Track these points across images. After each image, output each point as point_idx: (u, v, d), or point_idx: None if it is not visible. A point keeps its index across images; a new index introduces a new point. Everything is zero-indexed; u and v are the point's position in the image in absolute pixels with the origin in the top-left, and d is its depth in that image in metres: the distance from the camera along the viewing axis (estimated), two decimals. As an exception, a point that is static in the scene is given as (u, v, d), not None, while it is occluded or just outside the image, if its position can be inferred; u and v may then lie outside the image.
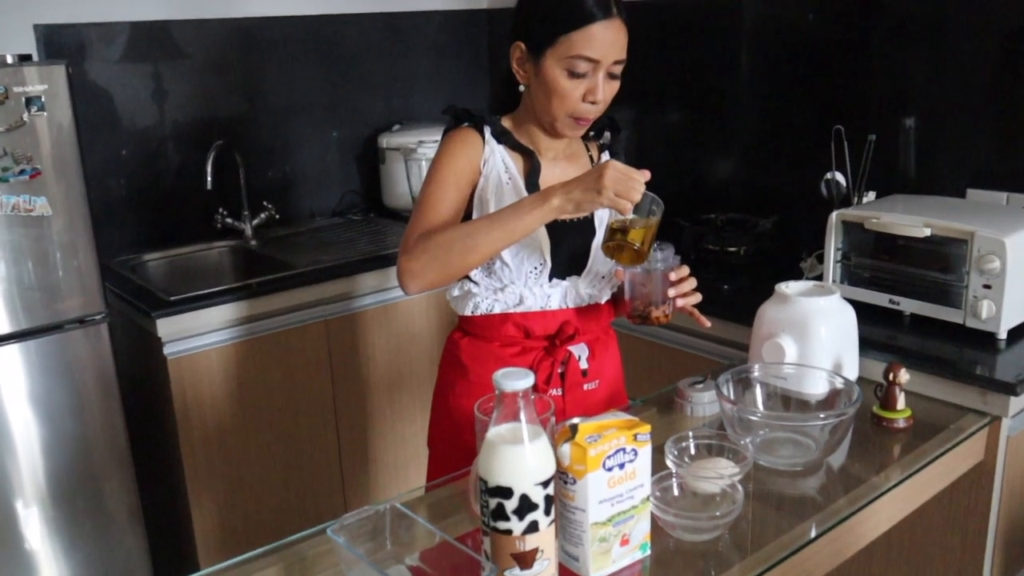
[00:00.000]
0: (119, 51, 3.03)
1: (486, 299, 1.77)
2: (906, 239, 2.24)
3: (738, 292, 2.60)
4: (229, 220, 3.24)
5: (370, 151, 3.65)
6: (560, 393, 1.81)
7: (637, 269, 1.69)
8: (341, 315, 2.91)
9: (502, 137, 1.76)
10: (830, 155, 2.55)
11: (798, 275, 2.59)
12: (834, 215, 2.36)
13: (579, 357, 1.83)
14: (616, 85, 1.72)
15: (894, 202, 2.44)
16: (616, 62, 1.69)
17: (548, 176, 1.76)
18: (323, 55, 3.49)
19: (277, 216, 3.34)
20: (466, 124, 1.76)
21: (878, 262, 2.33)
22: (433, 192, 1.70)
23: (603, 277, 1.82)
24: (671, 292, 1.71)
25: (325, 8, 3.46)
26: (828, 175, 2.59)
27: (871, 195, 2.52)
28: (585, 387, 1.84)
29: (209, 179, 3.03)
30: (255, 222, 3.27)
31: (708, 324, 1.80)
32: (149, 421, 2.80)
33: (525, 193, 1.71)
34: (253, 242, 3.24)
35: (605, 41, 1.65)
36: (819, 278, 2.47)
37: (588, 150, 1.90)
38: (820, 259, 2.50)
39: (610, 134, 1.92)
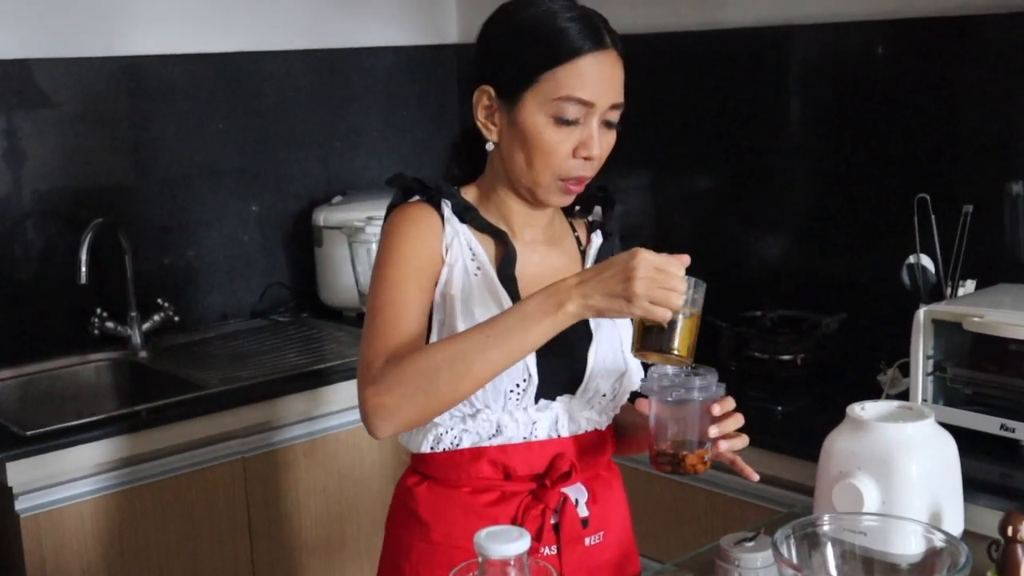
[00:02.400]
0: (-40, 99, 3.07)
1: (451, 430, 1.76)
2: (1020, 344, 2.25)
3: (796, 416, 2.59)
4: (110, 324, 3.22)
5: (302, 231, 3.67)
6: (555, 552, 1.79)
7: (669, 397, 1.69)
8: (263, 451, 2.89)
9: (466, 214, 1.77)
10: (913, 233, 2.57)
11: (876, 393, 2.59)
12: (921, 312, 2.37)
13: (576, 502, 1.81)
14: (613, 137, 1.75)
15: (1001, 294, 2.46)
16: (613, 106, 1.72)
17: (525, 265, 1.78)
18: (238, 105, 3.53)
19: (176, 318, 3.34)
20: (417, 198, 1.77)
21: (983, 375, 2.33)
22: (390, 294, 1.70)
23: (604, 395, 1.82)
24: (713, 431, 1.69)
25: (240, 44, 3.52)
26: (911, 259, 2.60)
27: (969, 285, 2.54)
28: (587, 542, 1.82)
29: (84, 269, 3.03)
30: (146, 327, 3.26)
31: (756, 478, 1.79)
32: (-4, 601, 2.74)
33: (499, 288, 1.73)
34: (143, 353, 3.22)
35: (600, 78, 1.69)
36: (904, 396, 2.47)
37: (574, 229, 1.93)
38: (905, 371, 2.51)
39: (601, 208, 1.93)
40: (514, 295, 1.74)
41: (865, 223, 2.98)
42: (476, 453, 1.77)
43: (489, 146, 1.77)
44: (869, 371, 2.73)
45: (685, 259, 1.55)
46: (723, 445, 1.71)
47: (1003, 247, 2.71)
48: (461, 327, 1.69)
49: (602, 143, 1.72)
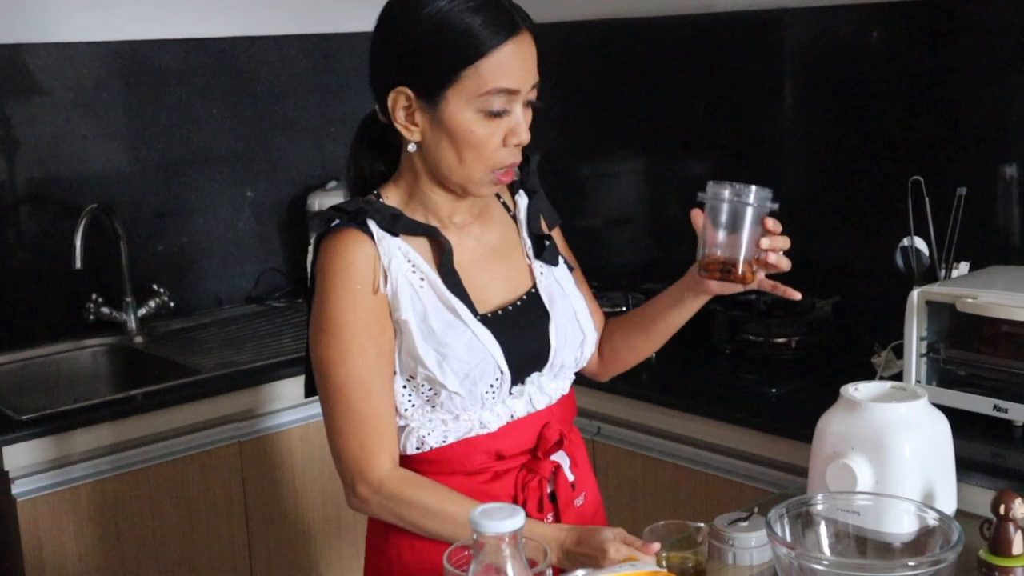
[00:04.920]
0: (-49, 86, 3.06)
1: (434, 432, 1.76)
2: (1012, 325, 2.26)
3: (790, 397, 2.60)
4: (106, 310, 3.24)
5: (297, 216, 3.68)
6: (553, 519, 1.82)
7: (717, 228, 1.73)
8: (259, 435, 2.89)
9: (396, 224, 1.73)
10: (907, 215, 2.57)
11: (870, 374, 2.60)
12: (915, 294, 2.38)
13: (562, 468, 1.85)
14: (531, 114, 1.72)
15: (994, 276, 2.46)
16: (533, 86, 1.70)
17: (463, 251, 1.78)
18: (233, 90, 3.54)
19: (171, 303, 3.35)
20: (338, 223, 1.72)
21: (976, 356, 2.34)
22: (353, 369, 1.68)
23: (563, 366, 1.84)
24: (764, 242, 1.74)
25: (235, 28, 3.52)
26: (905, 241, 2.61)
27: (963, 267, 2.55)
28: (576, 504, 1.86)
29: (78, 255, 3.03)
30: (142, 312, 3.27)
31: (799, 296, 1.83)
32: (-7, 585, 2.75)
33: (446, 292, 1.72)
34: (139, 339, 3.23)
35: (521, 64, 1.67)
36: (898, 377, 2.47)
37: (499, 196, 1.91)
38: (898, 352, 2.51)
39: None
40: (460, 292, 1.74)
41: (859, 206, 2.99)
42: (466, 445, 1.77)
43: (411, 147, 1.73)
44: (863, 353, 2.73)
45: (655, 547, 1.59)
46: (771, 258, 1.75)
47: (996, 229, 2.71)
48: (420, 344, 1.69)
49: (526, 124, 1.70)
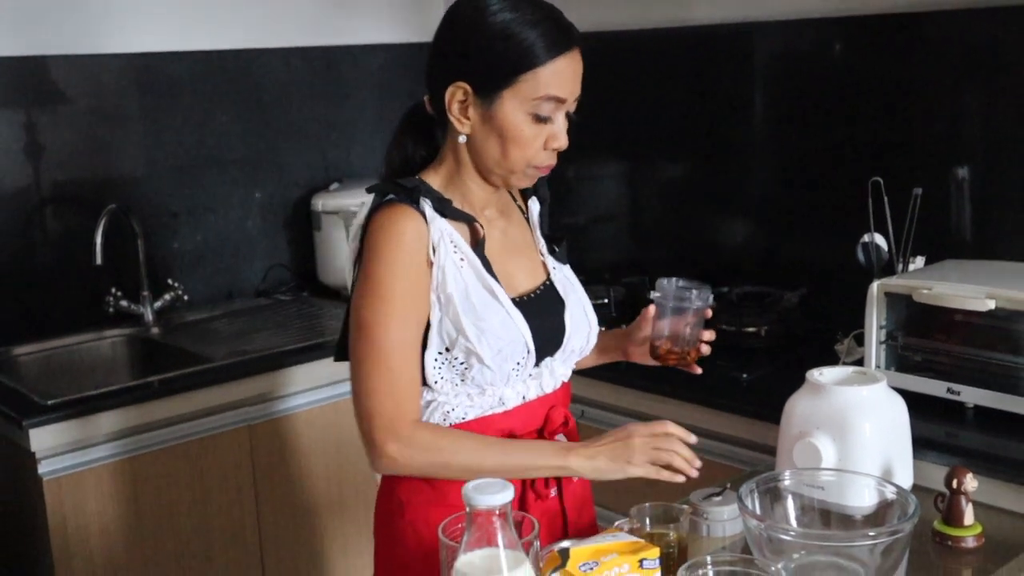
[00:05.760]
0: (-20, 95, 3.05)
1: (459, 406, 1.77)
2: (965, 314, 2.27)
3: (760, 382, 2.61)
4: (124, 303, 3.23)
5: (301, 216, 3.68)
6: (557, 493, 1.84)
7: (664, 319, 1.88)
8: (268, 419, 2.89)
9: (444, 208, 1.75)
10: (867, 214, 2.58)
11: (833, 360, 2.61)
12: (875, 286, 2.39)
13: None
14: (567, 124, 1.77)
15: (948, 269, 2.48)
16: (576, 99, 1.75)
17: (491, 241, 1.79)
18: (241, 98, 3.53)
19: (185, 297, 3.34)
20: (394, 198, 1.73)
21: (931, 342, 2.36)
22: (397, 332, 1.69)
23: (572, 351, 1.87)
24: (707, 335, 1.90)
25: (243, 41, 3.51)
26: (865, 238, 2.62)
27: (919, 261, 2.56)
28: (573, 479, 1.87)
29: (99, 252, 3.03)
30: (157, 305, 3.27)
31: (699, 370, 1.95)
32: (17, 560, 2.75)
33: (484, 274, 1.74)
34: (155, 330, 3.23)
35: (572, 76, 1.71)
36: (859, 363, 2.49)
37: (515, 199, 1.94)
38: (860, 340, 2.53)
39: None
40: (492, 276, 1.75)
41: (823, 205, 3.00)
42: (483, 422, 1.78)
43: (461, 139, 1.74)
44: (827, 341, 2.75)
45: (666, 425, 1.73)
46: (705, 348, 1.91)
47: (949, 226, 2.73)
48: (464, 320, 1.69)
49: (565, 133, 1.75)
